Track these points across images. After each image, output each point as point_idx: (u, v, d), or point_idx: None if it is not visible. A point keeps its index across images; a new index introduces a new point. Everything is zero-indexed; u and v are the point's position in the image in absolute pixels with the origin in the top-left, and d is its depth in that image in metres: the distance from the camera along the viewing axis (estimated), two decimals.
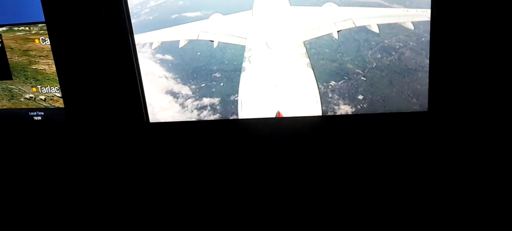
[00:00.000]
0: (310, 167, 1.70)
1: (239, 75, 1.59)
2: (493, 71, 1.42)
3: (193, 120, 1.69)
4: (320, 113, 1.56)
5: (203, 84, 1.65)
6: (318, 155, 1.68)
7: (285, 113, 1.57)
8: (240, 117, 1.61)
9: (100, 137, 1.79)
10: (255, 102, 1.58)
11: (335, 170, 1.68)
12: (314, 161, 1.69)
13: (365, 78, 1.53)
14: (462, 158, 1.56)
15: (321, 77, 1.55)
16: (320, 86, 1.55)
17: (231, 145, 1.73)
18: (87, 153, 1.82)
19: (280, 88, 1.54)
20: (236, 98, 1.62)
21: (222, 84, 1.63)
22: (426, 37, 1.44)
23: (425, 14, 1.39)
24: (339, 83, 1.56)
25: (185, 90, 1.67)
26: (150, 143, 1.78)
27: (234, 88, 1.64)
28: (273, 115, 1.58)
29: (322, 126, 1.61)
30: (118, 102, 1.71)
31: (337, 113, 1.60)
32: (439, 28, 1.40)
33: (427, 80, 1.49)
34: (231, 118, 1.65)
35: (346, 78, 1.55)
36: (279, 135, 1.65)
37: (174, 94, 1.68)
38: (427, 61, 1.46)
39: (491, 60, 1.41)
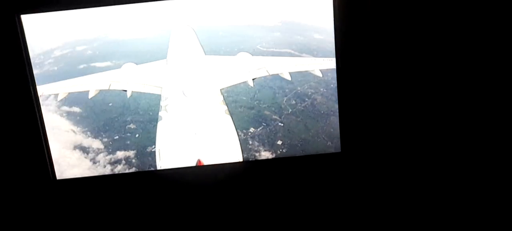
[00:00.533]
0: (234, 213, 1.68)
1: (155, 126, 1.56)
2: (399, 111, 1.59)
3: (107, 174, 1.59)
4: (241, 159, 1.57)
5: (117, 137, 1.58)
6: (240, 201, 1.67)
7: (206, 161, 1.56)
8: (158, 168, 1.55)
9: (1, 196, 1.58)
10: (174, 152, 1.55)
11: (258, 214, 1.68)
12: (237, 207, 1.67)
13: (282, 124, 1.60)
14: (376, 193, 1.68)
15: (240, 125, 1.59)
16: (239, 133, 1.58)
17: (150, 197, 1.65)
18: None
19: (199, 136, 1.54)
20: (153, 150, 1.57)
21: (137, 135, 1.58)
22: (334, 83, 1.57)
23: (331, 62, 1.52)
24: (258, 129, 1.61)
25: (96, 144, 1.58)
26: (58, 201, 1.61)
27: (150, 139, 1.59)
28: (193, 163, 1.55)
29: (243, 172, 1.62)
30: (21, 159, 1.54)
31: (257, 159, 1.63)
32: (344, 74, 1.54)
33: (339, 123, 1.61)
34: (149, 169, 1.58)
35: (264, 124, 1.61)
36: (201, 183, 1.62)
37: (84, 149, 1.58)
38: (337, 106, 1.58)
39: (397, 102, 1.57)
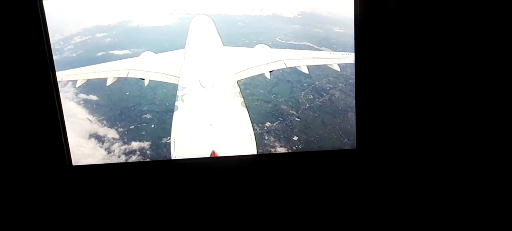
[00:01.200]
0: (246, 207, 1.69)
1: (171, 117, 1.59)
2: (416, 110, 1.59)
3: (121, 162, 1.62)
4: (255, 152, 1.58)
5: (132, 127, 1.61)
6: (253, 195, 1.68)
7: (220, 153, 1.58)
8: (173, 157, 1.57)
9: (18, 180, 1.63)
10: (189, 142, 1.57)
11: (271, 209, 1.69)
12: (250, 201, 1.69)
13: (299, 119, 1.61)
14: (390, 192, 1.67)
15: (257, 119, 1.60)
16: (255, 127, 1.60)
17: (163, 187, 1.67)
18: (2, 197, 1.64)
19: (214, 128, 1.56)
20: (168, 141, 1.60)
21: (153, 126, 1.61)
22: (353, 79, 1.58)
23: (350, 57, 1.53)
24: (274, 124, 1.62)
25: (112, 133, 1.61)
26: (73, 187, 1.65)
27: (166, 130, 1.62)
28: (207, 155, 1.57)
29: (257, 165, 1.63)
30: (37, 144, 1.59)
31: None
32: (363, 70, 1.55)
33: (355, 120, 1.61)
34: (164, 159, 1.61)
35: (281, 119, 1.62)
36: (214, 175, 1.64)
37: (99, 138, 1.61)
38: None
39: (414, 101, 1.57)
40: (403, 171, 1.62)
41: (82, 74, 1.52)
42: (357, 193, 1.66)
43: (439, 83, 1.52)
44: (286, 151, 1.61)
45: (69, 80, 1.54)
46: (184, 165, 1.59)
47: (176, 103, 1.55)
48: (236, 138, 1.57)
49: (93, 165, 1.59)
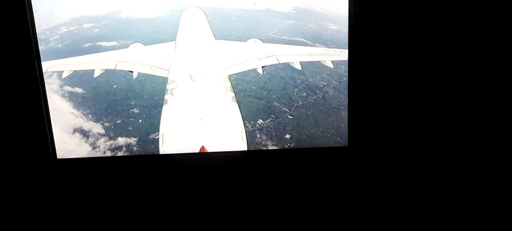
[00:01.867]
0: (236, 204, 1.69)
1: (159, 112, 1.58)
2: (408, 109, 1.60)
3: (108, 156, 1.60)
4: (245, 148, 1.58)
5: (119, 121, 1.59)
6: (243, 191, 1.68)
7: (210, 148, 1.57)
8: (161, 152, 1.56)
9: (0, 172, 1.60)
10: (178, 137, 1.56)
11: (260, 206, 1.69)
12: (240, 198, 1.68)
13: (292, 117, 1.62)
14: (381, 190, 1.68)
15: (248, 116, 1.60)
16: (247, 124, 1.60)
17: (152, 182, 1.66)
18: None
19: (204, 123, 1.55)
20: (156, 137, 1.59)
21: (140, 121, 1.60)
22: (347, 76, 1.58)
23: (343, 54, 1.54)
24: (267, 121, 1.62)
25: (97, 128, 1.59)
26: (58, 181, 1.63)
27: (154, 126, 1.61)
28: (197, 150, 1.56)
29: (247, 161, 1.63)
30: (21, 136, 1.56)
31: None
32: (356, 67, 1.56)
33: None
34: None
35: (273, 116, 1.62)
36: (203, 170, 1.63)
37: (84, 133, 1.60)
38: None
39: (407, 100, 1.59)
40: (395, 169, 1.64)
41: (69, 65, 1.51)
42: (348, 191, 1.67)
43: (433, 82, 1.54)
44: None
45: (55, 71, 1.52)
46: (173, 160, 1.58)
47: (166, 97, 1.54)
48: (226, 134, 1.57)
49: (78, 159, 1.57)
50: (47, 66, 1.51)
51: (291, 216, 1.69)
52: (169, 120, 1.55)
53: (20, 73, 1.49)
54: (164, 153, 1.57)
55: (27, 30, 1.44)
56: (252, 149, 1.60)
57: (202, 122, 1.55)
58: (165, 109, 1.55)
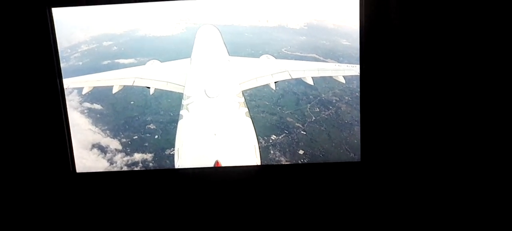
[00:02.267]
0: (249, 218, 1.72)
1: (175, 128, 1.63)
2: (420, 124, 1.62)
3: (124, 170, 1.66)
4: (258, 163, 1.61)
5: (136, 137, 1.65)
6: (257, 205, 1.71)
7: (224, 163, 1.61)
8: (176, 166, 1.61)
9: (18, 186, 1.66)
10: (193, 152, 1.61)
11: (273, 220, 1.71)
12: (253, 212, 1.71)
13: (305, 133, 1.64)
14: (393, 206, 1.68)
15: (262, 131, 1.64)
16: (260, 140, 1.63)
17: (167, 196, 1.71)
18: (4, 204, 1.68)
19: (218, 137, 1.60)
20: (171, 153, 1.63)
21: (156, 136, 1.65)
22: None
23: (354, 69, 1.57)
24: (280, 137, 1.65)
25: (114, 144, 1.65)
26: (77, 194, 1.69)
27: (169, 141, 1.66)
28: (211, 164, 1.60)
29: (261, 176, 1.66)
30: (40, 150, 1.64)
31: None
32: (368, 82, 1.59)
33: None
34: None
35: (287, 132, 1.65)
36: (218, 185, 1.66)
37: (102, 149, 1.66)
38: None
39: (419, 114, 1.61)
40: (408, 184, 1.64)
41: (89, 81, 1.57)
42: (360, 206, 1.67)
43: (445, 97, 1.56)
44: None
45: (75, 88, 1.59)
46: (188, 174, 1.62)
47: (181, 112, 1.59)
48: (240, 148, 1.60)
49: (96, 173, 1.62)
50: (68, 83, 1.58)
51: (304, 229, 1.69)
52: (185, 134, 1.60)
53: (43, 90, 1.56)
54: (180, 166, 1.60)
55: (49, 48, 1.52)
56: (266, 164, 1.62)
57: (216, 137, 1.59)
58: (180, 125, 1.60)
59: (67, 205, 1.69)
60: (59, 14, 1.54)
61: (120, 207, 1.69)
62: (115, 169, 1.64)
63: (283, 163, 1.63)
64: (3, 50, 1.54)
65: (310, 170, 1.65)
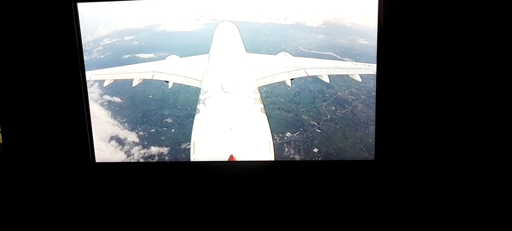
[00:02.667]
0: (262, 212, 1.76)
1: (191, 122, 1.68)
2: (435, 124, 1.63)
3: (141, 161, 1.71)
4: (272, 159, 1.64)
5: (153, 130, 1.70)
6: (269, 200, 1.75)
7: (238, 157, 1.64)
8: (192, 159, 1.66)
9: (40, 174, 1.74)
10: (208, 145, 1.65)
11: (285, 215, 1.75)
12: (266, 206, 1.75)
13: (320, 131, 1.67)
14: (405, 205, 1.70)
15: (277, 128, 1.67)
16: (275, 137, 1.66)
17: (182, 187, 1.76)
18: (25, 192, 1.75)
19: (234, 132, 1.64)
20: (187, 147, 1.68)
21: (173, 130, 1.70)
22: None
23: (371, 68, 1.59)
24: (295, 134, 1.68)
25: (132, 137, 1.70)
26: (95, 183, 1.77)
27: (186, 135, 1.70)
28: (226, 158, 1.64)
29: (274, 171, 1.70)
30: (61, 139, 1.70)
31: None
32: (384, 81, 1.61)
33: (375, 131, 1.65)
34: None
35: (302, 130, 1.68)
36: (231, 178, 1.71)
37: (120, 141, 1.71)
38: None
39: (434, 115, 1.62)
40: (421, 184, 1.65)
41: (110, 74, 1.63)
42: (372, 205, 1.69)
43: (459, 98, 1.56)
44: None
45: (96, 81, 1.65)
46: (203, 168, 1.67)
47: (198, 106, 1.64)
48: (254, 143, 1.64)
49: (115, 163, 1.68)
50: (90, 75, 1.64)
51: (314, 226, 1.72)
52: (201, 128, 1.65)
53: (66, 82, 1.64)
54: (195, 160, 1.65)
55: (74, 41, 1.59)
56: (279, 160, 1.65)
57: (231, 132, 1.63)
58: (197, 119, 1.65)
59: (86, 194, 1.76)
60: (84, 8, 1.60)
61: (135, 198, 1.75)
62: (132, 161, 1.69)
63: (297, 160, 1.65)
64: (31, 43, 1.61)
65: (323, 167, 1.68)
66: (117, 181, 1.74)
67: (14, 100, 1.65)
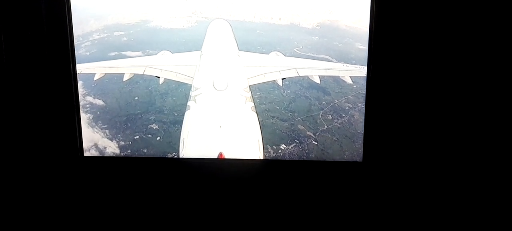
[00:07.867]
0: (250, 210, 1.84)
1: (178, 129, 1.81)
2: (425, 128, 1.75)
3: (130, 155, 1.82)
4: (261, 157, 1.77)
5: (137, 137, 1.80)
6: (258, 199, 1.84)
7: (227, 155, 1.74)
8: (181, 156, 1.77)
9: (26, 167, 1.83)
10: (197, 142, 1.77)
11: (273, 214, 1.83)
12: (254, 204, 1.84)
13: (316, 143, 1.78)
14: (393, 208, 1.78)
15: (271, 140, 1.80)
16: (269, 149, 1.78)
17: (170, 184, 1.86)
18: (12, 185, 1.83)
19: (223, 130, 1.75)
20: (173, 156, 1.78)
21: (158, 138, 1.81)
22: None
23: (362, 71, 1.75)
24: (290, 147, 1.79)
25: (113, 146, 1.81)
26: (83, 178, 1.85)
27: (171, 145, 1.82)
28: (215, 156, 1.74)
29: (263, 170, 1.81)
30: (49, 133, 1.81)
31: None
32: (374, 83, 1.74)
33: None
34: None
35: (297, 141, 1.79)
36: (220, 176, 1.78)
37: (100, 151, 1.82)
38: None
39: (425, 119, 1.74)
40: (409, 185, 1.76)
41: (101, 68, 1.79)
42: (361, 206, 1.78)
43: (449, 100, 1.70)
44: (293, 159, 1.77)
45: (82, 77, 1.78)
46: (191, 164, 1.79)
47: (189, 103, 1.79)
48: (244, 142, 1.77)
49: (103, 157, 1.81)
50: (81, 68, 1.79)
51: (302, 226, 1.79)
52: (190, 125, 1.78)
53: (56, 75, 1.77)
54: (184, 156, 1.77)
55: (65, 34, 1.75)
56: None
57: (221, 129, 1.75)
58: (187, 115, 1.79)
59: (72, 189, 1.86)
60: (77, 1, 1.78)
61: (122, 192, 1.85)
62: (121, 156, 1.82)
63: (286, 160, 1.78)
64: (21, 35, 1.77)
65: (312, 167, 1.79)
66: (105, 176, 1.84)
67: (2, 93, 1.77)
